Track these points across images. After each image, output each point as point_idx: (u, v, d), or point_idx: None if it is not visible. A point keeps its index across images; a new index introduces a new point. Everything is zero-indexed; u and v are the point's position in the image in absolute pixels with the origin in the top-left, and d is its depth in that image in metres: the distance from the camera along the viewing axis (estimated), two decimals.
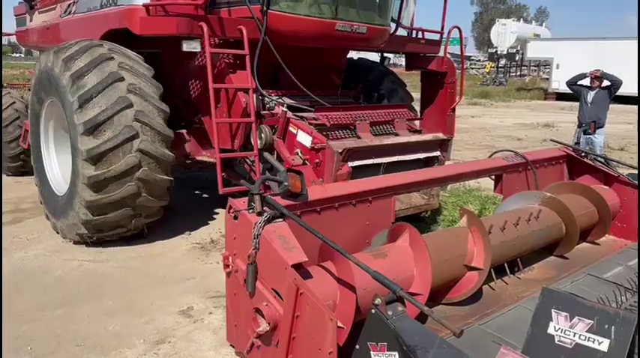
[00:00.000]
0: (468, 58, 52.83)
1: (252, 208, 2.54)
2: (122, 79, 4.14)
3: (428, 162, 4.72)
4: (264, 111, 4.51)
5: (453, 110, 6.05)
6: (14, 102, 6.93)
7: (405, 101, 5.77)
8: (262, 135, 4.36)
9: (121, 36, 4.57)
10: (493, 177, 4.13)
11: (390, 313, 2.02)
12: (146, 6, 4.27)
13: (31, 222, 5.18)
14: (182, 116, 5.16)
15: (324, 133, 4.22)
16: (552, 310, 2.21)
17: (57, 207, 4.66)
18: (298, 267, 2.34)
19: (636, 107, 12.41)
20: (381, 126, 4.76)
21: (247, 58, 4.30)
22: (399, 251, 2.86)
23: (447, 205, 5.38)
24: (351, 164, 4.04)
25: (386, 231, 3.12)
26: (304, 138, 4.18)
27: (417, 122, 5.20)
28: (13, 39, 8.59)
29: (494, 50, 38.41)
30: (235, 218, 2.62)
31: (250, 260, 2.45)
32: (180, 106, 5.08)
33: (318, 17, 4.58)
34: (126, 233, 4.50)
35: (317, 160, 4.08)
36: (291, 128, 4.31)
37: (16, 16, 7.81)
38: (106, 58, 4.24)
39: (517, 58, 40.25)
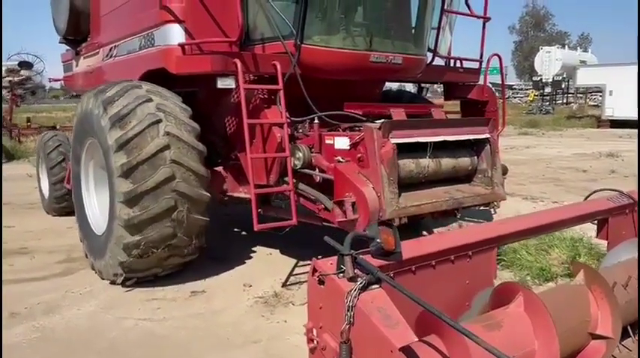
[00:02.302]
0: (510, 87, 51.84)
1: (342, 271, 2.15)
2: (140, 87, 4.38)
3: (478, 149, 4.42)
4: (297, 133, 4.44)
5: None
6: (60, 144, 7.19)
7: None
8: (299, 154, 4.22)
9: (159, 76, 4.58)
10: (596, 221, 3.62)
11: None
12: (182, 45, 4.28)
13: (83, 273, 4.92)
14: (219, 153, 5.09)
15: (357, 129, 4.12)
16: None
17: (99, 243, 4.62)
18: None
19: None
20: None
21: (281, 93, 4.20)
22: (514, 319, 2.38)
23: (529, 249, 4.83)
24: (393, 140, 3.81)
25: (489, 291, 2.65)
26: (342, 142, 4.08)
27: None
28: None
29: (538, 78, 37.56)
30: (321, 283, 2.21)
31: (344, 337, 2.03)
32: (217, 143, 5.00)
33: (352, 50, 4.51)
34: (172, 238, 4.23)
35: (359, 155, 3.91)
36: (327, 140, 4.21)
37: (63, 62, 8.04)
38: (126, 80, 4.57)
39: (563, 86, 39.22)
